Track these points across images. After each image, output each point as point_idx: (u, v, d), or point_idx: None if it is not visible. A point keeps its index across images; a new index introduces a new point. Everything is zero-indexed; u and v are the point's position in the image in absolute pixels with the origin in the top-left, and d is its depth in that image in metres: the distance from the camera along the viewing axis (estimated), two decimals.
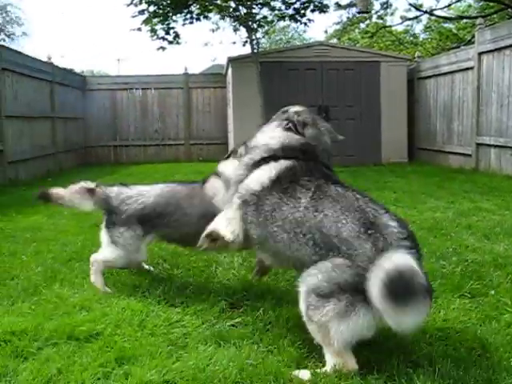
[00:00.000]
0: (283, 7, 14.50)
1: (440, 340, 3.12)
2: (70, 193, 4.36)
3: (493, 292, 3.91)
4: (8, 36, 38.60)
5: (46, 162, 14.23)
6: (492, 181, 10.11)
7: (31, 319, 3.51)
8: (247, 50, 14.21)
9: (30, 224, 6.85)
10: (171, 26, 14.20)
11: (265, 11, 14.76)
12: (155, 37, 14.27)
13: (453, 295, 3.86)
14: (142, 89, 18.33)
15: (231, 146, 15.83)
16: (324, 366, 2.83)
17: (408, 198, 8.32)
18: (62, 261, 5.04)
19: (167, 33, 14.27)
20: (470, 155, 12.63)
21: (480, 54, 12.04)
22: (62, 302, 3.91)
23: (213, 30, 16.14)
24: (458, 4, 26.57)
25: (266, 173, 3.21)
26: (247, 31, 13.86)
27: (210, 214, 3.65)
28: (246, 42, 14.24)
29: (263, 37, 17.54)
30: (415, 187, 9.63)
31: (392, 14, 34.24)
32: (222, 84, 17.93)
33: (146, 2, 13.44)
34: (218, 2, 13.85)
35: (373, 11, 24.15)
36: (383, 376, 2.73)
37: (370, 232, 2.75)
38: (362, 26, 28.11)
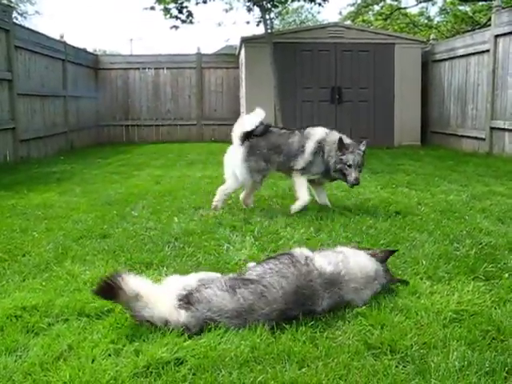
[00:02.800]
0: None
1: (454, 322, 3.08)
2: None
3: (507, 275, 3.86)
4: (21, 14, 38.46)
5: (58, 141, 14.26)
6: (506, 165, 10.03)
7: (42, 295, 3.51)
8: (260, 30, 14.14)
9: (42, 201, 6.85)
10: (184, 4, 14.10)
11: None
12: (168, 16, 14.18)
13: (467, 278, 3.82)
14: (155, 68, 18.30)
15: None
16: (338, 342, 2.82)
17: (421, 181, 8.26)
18: (73, 238, 5.03)
19: (180, 11, 14.17)
20: (483, 139, 12.51)
21: (496, 36, 11.88)
22: (73, 278, 3.90)
23: (226, 10, 16.04)
24: None
25: None
26: (261, 11, 13.73)
27: None
28: (260, 22, 14.13)
29: (277, 17, 17.50)
30: (428, 170, 9.57)
31: None
32: (235, 64, 17.84)
33: None
34: None
35: None
36: (396, 357, 2.71)
37: None
38: (377, 7, 27.86)
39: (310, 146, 6.07)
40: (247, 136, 6.16)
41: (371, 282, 3.38)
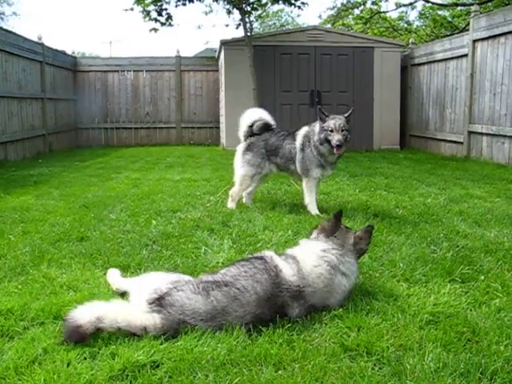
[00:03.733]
0: None
1: (430, 324, 3.10)
2: None
3: (483, 277, 3.90)
4: None
5: (36, 144, 14.13)
6: (483, 168, 10.13)
7: (18, 299, 3.48)
8: (240, 33, 14.11)
9: (19, 204, 6.79)
10: (164, 7, 14.07)
11: None
12: (147, 18, 14.14)
13: (443, 280, 3.85)
14: (134, 71, 18.18)
15: (223, 130, 15.79)
16: (314, 345, 2.82)
17: (399, 184, 8.31)
18: (49, 241, 4.98)
19: (160, 14, 14.14)
20: (461, 143, 12.63)
21: (474, 41, 12.00)
22: (50, 282, 3.87)
23: (206, 13, 16.02)
24: None
25: None
26: (240, 14, 13.74)
27: None
28: (239, 24, 14.15)
29: (256, 20, 17.47)
30: (407, 174, 9.63)
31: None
32: (215, 67, 17.84)
33: None
34: None
35: None
36: (373, 359, 2.72)
37: None
38: (356, 11, 27.95)
39: (298, 144, 6.32)
40: (249, 133, 6.56)
41: (332, 279, 3.29)
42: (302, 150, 6.27)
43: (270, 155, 6.49)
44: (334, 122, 5.94)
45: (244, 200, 6.80)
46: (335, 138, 5.88)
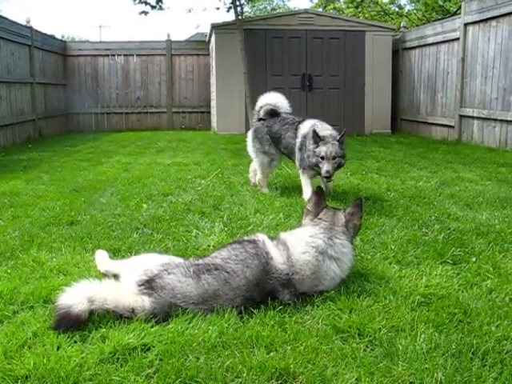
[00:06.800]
0: None
1: (422, 305, 3.10)
2: None
3: (474, 259, 3.90)
4: None
5: (26, 128, 14.02)
6: (474, 152, 10.14)
7: (7, 283, 3.45)
8: (231, 16, 13.99)
9: (8, 189, 6.75)
10: None
11: None
12: (137, 1, 14.01)
13: (435, 262, 3.85)
14: (124, 55, 18.04)
15: (214, 114, 15.73)
16: (306, 326, 2.81)
17: (391, 168, 8.31)
18: (39, 225, 4.95)
19: None
20: (452, 127, 12.63)
21: (466, 24, 11.96)
22: (39, 266, 3.84)
23: None
24: None
25: None
26: None
27: None
28: (230, 8, 14.03)
29: (248, 3, 17.24)
30: (398, 157, 9.62)
31: None
32: (206, 51, 17.73)
33: None
34: None
35: None
36: (365, 340, 2.71)
37: None
38: None
39: (297, 143, 6.14)
40: (258, 117, 6.60)
41: (319, 266, 3.24)
42: (300, 149, 6.05)
43: (274, 141, 6.46)
44: (326, 149, 5.59)
45: (252, 181, 6.85)
46: (324, 169, 5.57)
